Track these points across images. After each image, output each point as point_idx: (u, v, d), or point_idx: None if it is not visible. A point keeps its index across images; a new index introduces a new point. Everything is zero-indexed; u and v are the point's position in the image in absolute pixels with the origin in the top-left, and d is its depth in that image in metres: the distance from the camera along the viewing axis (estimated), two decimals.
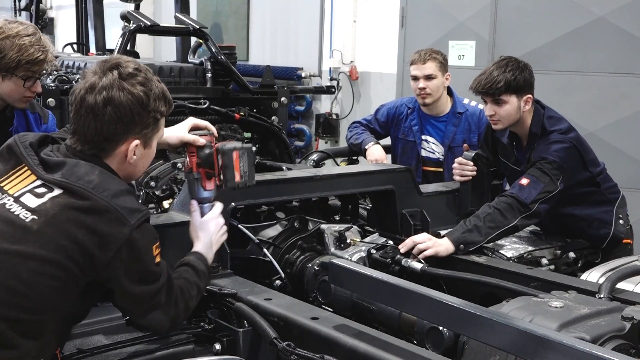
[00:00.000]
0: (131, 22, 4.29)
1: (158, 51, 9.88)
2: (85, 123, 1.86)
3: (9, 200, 1.81)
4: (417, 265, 2.62)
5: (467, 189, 3.33)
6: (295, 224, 2.84)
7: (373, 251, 2.70)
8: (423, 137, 4.11)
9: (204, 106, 4.03)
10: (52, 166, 1.83)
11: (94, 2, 6.22)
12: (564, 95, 5.63)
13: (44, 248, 1.72)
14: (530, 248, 2.94)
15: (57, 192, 1.78)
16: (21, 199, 1.79)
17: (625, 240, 3.26)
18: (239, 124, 4.23)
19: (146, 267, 1.85)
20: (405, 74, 7.01)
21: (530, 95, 3.09)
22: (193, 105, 4.00)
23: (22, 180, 1.84)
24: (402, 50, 7.05)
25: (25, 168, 1.85)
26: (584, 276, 2.62)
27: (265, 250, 2.66)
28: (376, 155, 3.99)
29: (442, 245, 2.79)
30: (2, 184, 1.86)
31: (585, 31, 5.54)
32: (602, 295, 2.17)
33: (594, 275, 2.56)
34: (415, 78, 3.97)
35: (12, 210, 1.78)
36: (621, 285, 2.30)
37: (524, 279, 2.49)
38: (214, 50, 4.39)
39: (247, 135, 4.38)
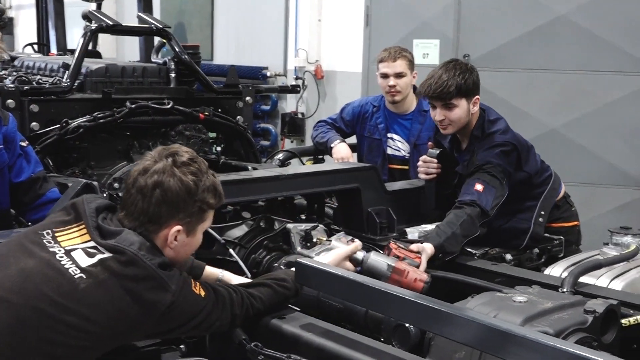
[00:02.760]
0: (93, 21, 4.23)
1: (121, 51, 9.78)
2: (133, 201, 1.97)
3: (59, 250, 1.88)
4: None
5: (432, 187, 3.35)
6: (261, 224, 2.84)
7: None
8: (389, 135, 4.13)
9: (168, 106, 4.00)
10: (108, 234, 1.91)
11: (55, 2, 6.12)
12: (527, 93, 5.71)
13: (88, 308, 1.79)
14: None
15: (107, 254, 1.85)
16: (72, 254, 1.87)
17: (572, 223, 3.31)
18: (204, 124, 4.21)
19: (193, 313, 1.96)
20: (371, 72, 7.03)
21: (478, 97, 3.10)
22: (157, 106, 3.97)
23: (77, 237, 1.92)
24: (367, 49, 7.07)
25: (83, 226, 1.94)
26: (547, 271, 2.67)
27: (231, 250, 2.65)
28: (342, 153, 4.00)
29: (428, 248, 2.69)
30: (56, 234, 1.93)
31: (547, 29, 5.62)
32: (564, 290, 2.22)
33: (556, 270, 2.61)
34: (385, 76, 4.00)
35: (62, 262, 1.85)
36: (583, 279, 2.34)
37: (489, 274, 2.52)
38: (177, 49, 4.36)
39: (212, 135, 4.36)
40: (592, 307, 1.92)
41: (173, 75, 4.35)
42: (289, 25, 8.17)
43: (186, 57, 4.37)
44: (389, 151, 4.13)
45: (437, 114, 3.09)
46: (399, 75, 3.97)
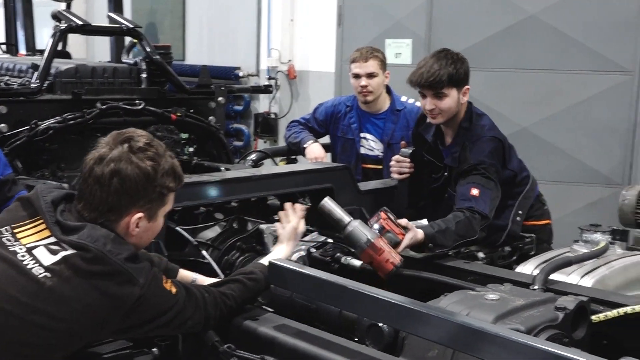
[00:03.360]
0: (62, 21, 4.19)
1: (91, 51, 9.68)
2: (91, 192, 1.92)
3: (21, 249, 1.84)
4: (357, 263, 2.64)
5: (405, 186, 3.37)
6: (234, 225, 2.83)
7: (313, 250, 2.70)
8: (362, 134, 4.14)
9: (139, 107, 3.98)
10: (69, 229, 1.87)
11: (23, 1, 6.06)
12: (499, 92, 5.76)
13: (54, 306, 1.76)
14: None
15: (71, 251, 1.81)
16: (34, 252, 1.83)
17: (544, 222, 3.36)
18: (176, 124, 4.19)
19: (163, 309, 1.93)
20: (344, 72, 7.04)
21: (468, 87, 3.12)
22: (128, 107, 3.94)
23: (37, 233, 1.88)
24: (339, 49, 7.09)
25: (42, 222, 1.89)
26: (518, 269, 2.69)
27: (204, 252, 2.64)
28: (315, 153, 4.00)
29: (418, 232, 2.69)
30: (15, 230, 1.89)
31: (518, 29, 5.68)
32: (536, 287, 2.24)
33: (528, 268, 2.63)
34: (357, 76, 4.01)
35: (24, 262, 1.81)
36: (554, 276, 2.37)
37: (461, 273, 2.53)
38: (148, 50, 4.33)
39: (184, 136, 4.34)
40: (563, 304, 1.94)
41: (144, 75, 4.33)
42: (261, 25, 8.15)
43: (157, 57, 4.34)
44: (363, 151, 4.14)
45: (428, 103, 3.09)
46: (370, 76, 3.98)
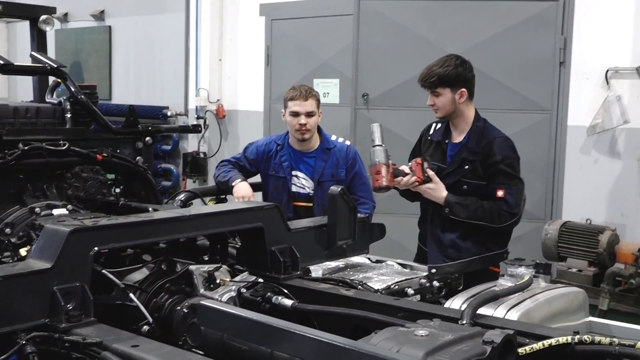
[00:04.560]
0: None
1: (13, 91, 9.48)
2: None
3: None
4: (288, 302, 2.63)
5: (334, 224, 3.39)
6: (163, 267, 2.78)
7: (243, 290, 2.68)
8: (293, 172, 4.17)
9: (64, 148, 3.89)
10: None
11: None
12: None
13: None
14: (396, 279, 3.03)
15: None
16: None
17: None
18: (102, 165, 4.11)
19: None
20: (272, 111, 7.09)
21: (464, 89, 3.59)
22: (51, 147, 3.85)
23: None
24: (268, 88, 7.15)
25: None
26: (447, 304, 2.73)
27: (131, 295, 2.58)
28: (242, 192, 4.00)
29: (442, 191, 3.58)
30: None
31: None
32: (464, 322, 2.27)
33: (456, 303, 2.67)
34: (296, 114, 4.07)
35: None
36: (482, 310, 2.41)
37: (392, 309, 2.55)
38: (73, 89, 4.25)
39: (111, 176, 4.26)
40: (490, 338, 1.97)
41: (69, 115, 4.24)
42: (189, 65, 8.16)
43: (82, 97, 4.27)
44: (294, 189, 4.16)
45: (429, 99, 3.69)
46: (309, 114, 4.06)
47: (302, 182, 4.17)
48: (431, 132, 3.89)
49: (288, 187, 4.16)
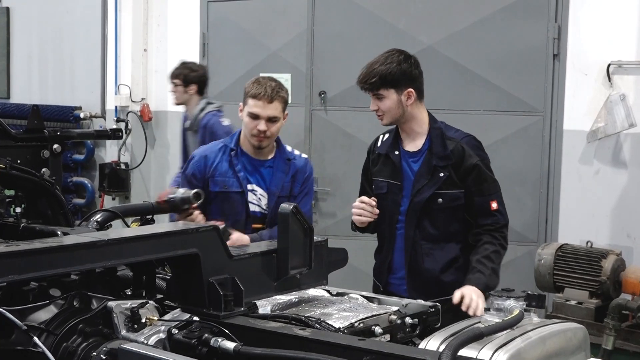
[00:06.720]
0: None
1: None
2: None
3: None
4: (230, 345, 2.62)
5: (286, 249, 3.39)
6: (75, 303, 2.76)
7: (175, 331, 2.67)
8: (249, 186, 4.10)
9: None
10: None
11: None
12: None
13: None
14: (361, 315, 3.04)
15: None
16: None
17: None
18: None
19: None
20: None
21: (411, 89, 3.60)
22: None
23: None
24: None
25: None
26: (422, 344, 2.75)
27: (35, 338, 2.55)
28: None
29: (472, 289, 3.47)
30: None
31: None
32: None
33: (433, 343, 2.70)
34: (256, 117, 3.97)
35: None
36: (463, 352, 2.43)
37: (356, 352, 2.56)
38: None
39: (10, 193, 4.21)
40: None
41: None
42: (107, 56, 8.11)
43: None
44: (252, 207, 4.10)
45: (371, 104, 3.70)
46: (272, 120, 3.96)
47: (258, 198, 4.10)
48: (379, 144, 3.93)
49: (246, 204, 4.07)
